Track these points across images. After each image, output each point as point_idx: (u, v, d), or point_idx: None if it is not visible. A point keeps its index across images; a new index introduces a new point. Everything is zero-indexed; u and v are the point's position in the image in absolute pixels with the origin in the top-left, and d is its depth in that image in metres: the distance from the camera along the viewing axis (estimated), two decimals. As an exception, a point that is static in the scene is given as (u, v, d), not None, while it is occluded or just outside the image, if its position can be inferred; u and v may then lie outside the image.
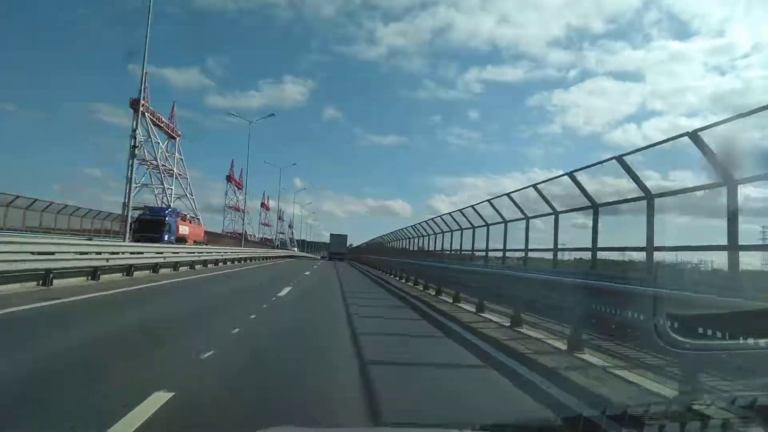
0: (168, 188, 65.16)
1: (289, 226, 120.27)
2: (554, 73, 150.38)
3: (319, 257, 72.55)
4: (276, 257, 44.80)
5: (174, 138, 69.69)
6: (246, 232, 57.62)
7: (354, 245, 63.63)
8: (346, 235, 65.80)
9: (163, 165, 65.16)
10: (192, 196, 72.28)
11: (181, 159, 71.58)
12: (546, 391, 3.84)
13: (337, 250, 57.74)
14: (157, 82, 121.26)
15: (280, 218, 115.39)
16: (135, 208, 52.57)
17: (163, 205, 57.82)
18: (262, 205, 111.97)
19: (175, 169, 67.64)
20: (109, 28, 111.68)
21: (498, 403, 3.58)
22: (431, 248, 18.63)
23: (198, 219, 66.87)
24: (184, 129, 74.22)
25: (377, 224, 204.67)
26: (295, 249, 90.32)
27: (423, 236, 21.07)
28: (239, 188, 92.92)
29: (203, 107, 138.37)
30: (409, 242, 24.12)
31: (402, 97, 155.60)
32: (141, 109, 52.34)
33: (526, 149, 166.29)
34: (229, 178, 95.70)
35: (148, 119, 60.67)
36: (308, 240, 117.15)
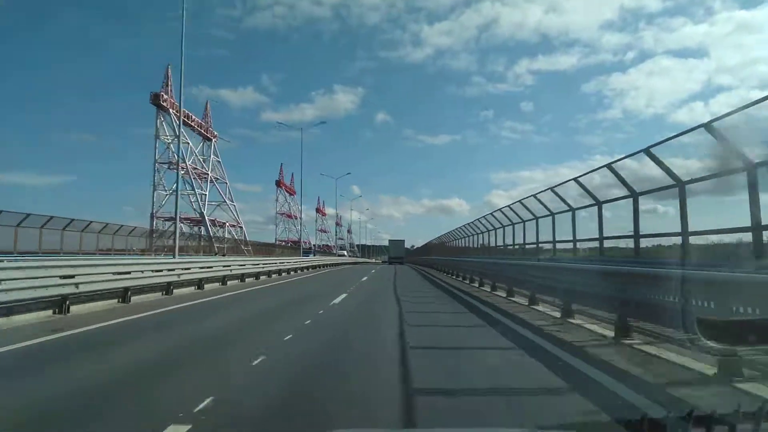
0: (201, 193, 59.04)
1: (348, 231, 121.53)
2: (610, 57, 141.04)
3: (380, 261, 76.99)
4: (333, 264, 43.77)
5: (210, 139, 63.31)
6: (301, 240, 54.66)
7: (414, 246, 70.00)
8: (403, 240, 69.69)
9: (195, 168, 58.77)
10: (233, 202, 66.38)
11: (219, 162, 65.34)
12: None
13: (395, 254, 60.85)
14: (215, 103, 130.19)
15: (338, 224, 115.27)
16: (166, 218, 51.84)
17: (196, 213, 55.92)
18: (318, 210, 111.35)
19: (210, 173, 61.87)
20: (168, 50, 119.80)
21: None
22: (492, 244, 17.87)
23: (241, 227, 65.66)
24: (242, 144, 75.89)
25: (435, 224, 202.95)
26: (345, 253, 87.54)
27: (481, 233, 20.34)
28: (291, 194, 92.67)
29: (259, 123, 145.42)
30: (469, 240, 23.43)
31: (451, 95, 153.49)
32: (165, 104, 53.67)
33: (584, 137, 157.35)
34: (278, 183, 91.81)
35: (173, 116, 53.62)
36: (368, 244, 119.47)
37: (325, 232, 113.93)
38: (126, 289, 9.39)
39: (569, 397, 3.55)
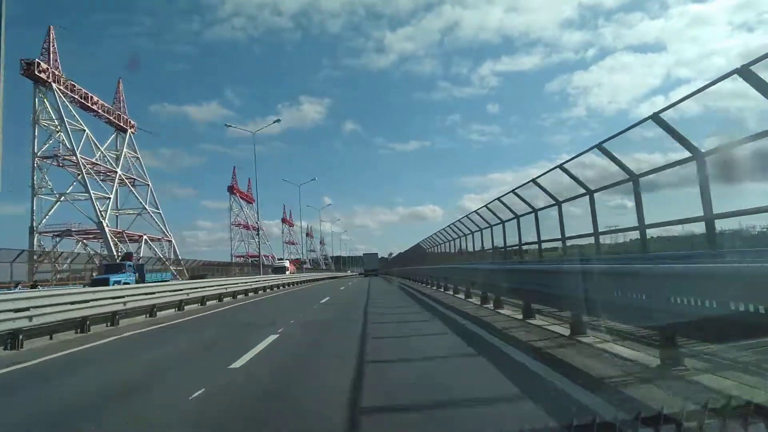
0: (103, 196, 44.46)
1: (321, 242, 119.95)
2: (572, 55, 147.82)
3: (357, 273, 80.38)
4: (297, 282, 36.86)
5: (124, 130, 51.09)
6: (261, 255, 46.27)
7: (392, 254, 74.21)
8: (377, 253, 75.94)
9: (95, 164, 44.87)
10: (158, 209, 53.92)
11: (137, 158, 52.63)
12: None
13: (370, 267, 64.95)
14: (180, 119, 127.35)
15: (308, 235, 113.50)
16: (56, 233, 42.24)
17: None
18: (284, 221, 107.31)
19: (121, 172, 48.06)
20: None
21: None
22: (470, 249, 17.84)
23: (170, 242, 54.50)
24: (209, 160, 72.57)
25: (410, 231, 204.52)
26: (286, 263, 76.96)
27: (451, 240, 20.33)
28: (249, 202, 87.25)
29: (226, 138, 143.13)
30: (440, 247, 23.42)
31: (418, 101, 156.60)
32: (43, 76, 38.40)
33: (551, 137, 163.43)
34: (231, 190, 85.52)
35: (56, 92, 40.82)
36: (343, 255, 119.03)
37: (293, 244, 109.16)
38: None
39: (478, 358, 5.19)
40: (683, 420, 1.47)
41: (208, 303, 15.95)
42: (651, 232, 6.89)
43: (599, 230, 7.99)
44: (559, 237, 9.44)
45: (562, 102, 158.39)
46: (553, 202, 9.47)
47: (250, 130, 46.69)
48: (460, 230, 18.00)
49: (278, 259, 77.58)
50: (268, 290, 25.07)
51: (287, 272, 47.33)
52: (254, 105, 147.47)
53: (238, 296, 19.63)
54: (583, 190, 8.13)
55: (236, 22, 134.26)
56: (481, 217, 14.57)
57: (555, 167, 8.66)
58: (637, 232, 6.91)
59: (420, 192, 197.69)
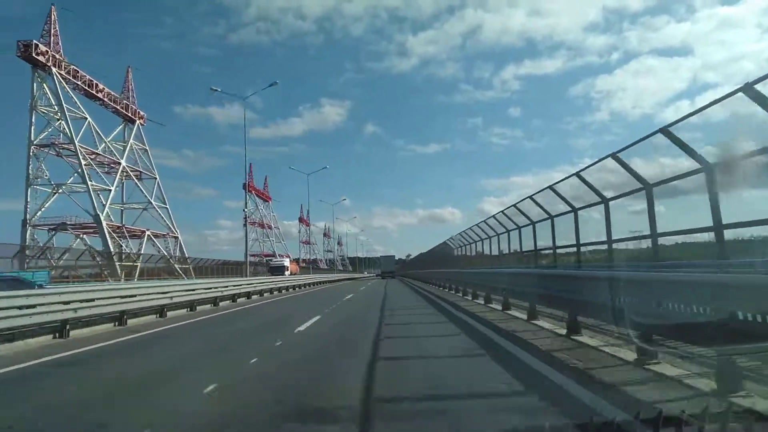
0: (103, 188, 43.03)
1: (339, 243, 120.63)
2: (595, 58, 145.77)
3: (374, 274, 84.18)
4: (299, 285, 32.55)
5: (132, 121, 50.11)
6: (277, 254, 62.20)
7: (411, 255, 78.97)
8: (393, 256, 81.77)
9: (95, 154, 43.32)
10: (165, 204, 51.88)
11: (146, 151, 51.10)
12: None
13: (387, 269, 67.63)
14: (203, 120, 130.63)
15: (326, 235, 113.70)
16: (51, 227, 39.36)
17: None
18: (301, 220, 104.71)
19: (125, 164, 47.50)
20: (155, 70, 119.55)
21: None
22: (488, 252, 18.01)
23: (176, 238, 51.89)
24: (231, 161, 71.53)
25: (429, 233, 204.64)
26: (285, 262, 68.69)
27: (470, 243, 20.57)
28: (266, 200, 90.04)
29: (249, 140, 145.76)
30: (461, 250, 23.62)
31: (439, 104, 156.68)
32: (41, 59, 36.03)
33: (573, 141, 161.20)
34: (247, 187, 76.38)
35: (56, 76, 39.04)
36: (361, 257, 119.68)
37: (309, 244, 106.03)
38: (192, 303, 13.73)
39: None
40: (705, 423, 1.48)
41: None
42: (677, 239, 7.08)
43: (612, 238, 8.23)
44: (575, 243, 9.68)
45: (585, 106, 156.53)
46: (569, 209, 9.71)
47: (239, 95, 46.95)
48: (478, 234, 18.25)
49: (275, 258, 65.34)
50: (266, 294, 22.27)
51: (287, 272, 45.64)
52: (276, 107, 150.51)
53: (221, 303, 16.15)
54: (598, 198, 8.37)
55: (260, 26, 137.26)
56: (501, 220, 14.80)
57: (571, 175, 8.92)
58: (652, 239, 7.08)
59: (439, 194, 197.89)
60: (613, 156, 7.26)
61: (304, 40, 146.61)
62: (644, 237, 7.20)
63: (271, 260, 65.48)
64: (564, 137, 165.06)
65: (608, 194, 8.23)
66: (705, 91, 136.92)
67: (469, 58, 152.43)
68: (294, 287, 28.94)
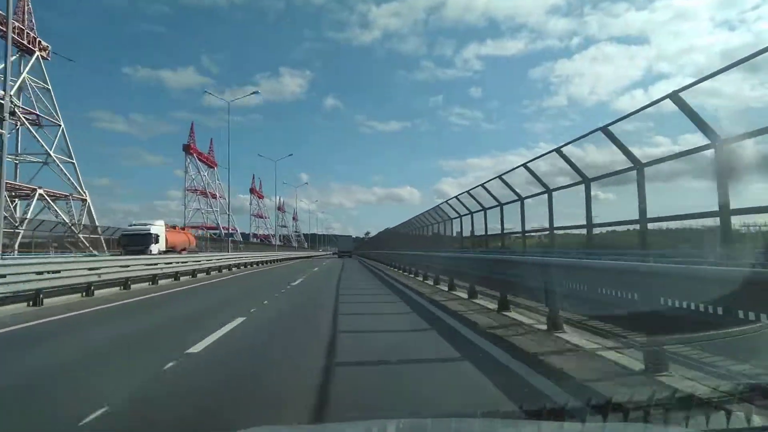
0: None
1: (294, 218, 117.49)
2: (556, 42, 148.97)
3: (331, 253, 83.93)
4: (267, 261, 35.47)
5: (213, 167, 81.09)
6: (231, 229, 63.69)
7: (369, 234, 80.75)
8: (351, 236, 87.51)
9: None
10: (71, 159, 43.67)
11: (47, 90, 42.37)
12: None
13: (344, 248, 67.50)
14: (154, 84, 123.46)
15: (280, 209, 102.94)
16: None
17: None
18: (252, 191, 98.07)
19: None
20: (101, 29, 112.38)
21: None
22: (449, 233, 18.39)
23: (84, 201, 42.92)
24: (185, 128, 74.46)
25: (387, 212, 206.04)
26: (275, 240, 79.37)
27: (430, 225, 21.13)
28: (211, 167, 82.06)
29: (202, 107, 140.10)
30: (422, 230, 23.96)
31: (401, 80, 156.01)
32: (191, 151, 73.09)
33: (531, 124, 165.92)
34: (187, 149, 74.75)
35: (195, 158, 74.37)
36: (319, 233, 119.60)
37: (262, 217, 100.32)
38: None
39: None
40: (630, 408, 1.55)
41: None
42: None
43: (554, 225, 8.81)
44: (521, 230, 10.23)
45: (544, 90, 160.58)
46: (543, 190, 9.34)
47: (226, 99, 49.60)
48: (434, 217, 18.79)
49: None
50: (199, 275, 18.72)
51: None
52: (232, 73, 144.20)
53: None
54: (578, 178, 8.02)
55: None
56: (455, 205, 15.31)
57: (551, 150, 8.52)
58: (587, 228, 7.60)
59: (398, 173, 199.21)
60: (557, 150, 7.78)
61: (263, 3, 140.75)
62: (580, 227, 7.80)
63: (214, 233, 67.22)
64: (521, 120, 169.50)
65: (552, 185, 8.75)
66: (658, 81, 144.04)
67: (432, 34, 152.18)
68: (236, 266, 25.94)
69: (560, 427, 1.58)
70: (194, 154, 77.28)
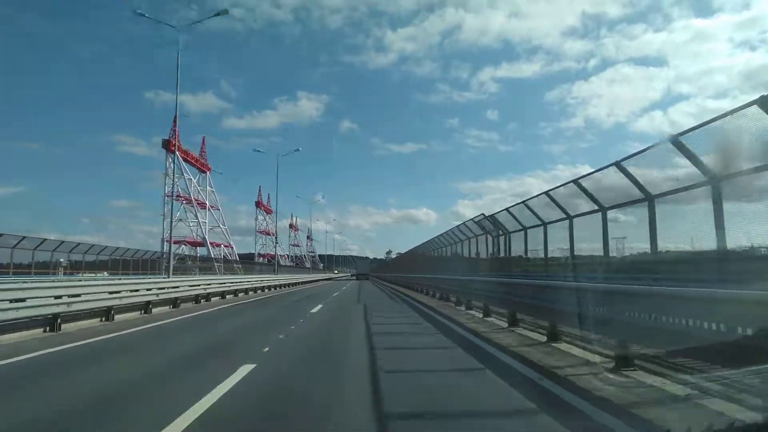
0: (202, 221, 70.07)
1: (308, 237, 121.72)
2: (573, 64, 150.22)
3: (349, 274, 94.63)
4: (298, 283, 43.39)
5: (205, 172, 74.56)
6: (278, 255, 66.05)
7: (390, 254, 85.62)
8: (368, 258, 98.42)
9: (195, 199, 69.54)
10: (225, 226, 76.88)
11: (213, 191, 75.91)
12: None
13: (361, 271, 78.22)
14: (173, 107, 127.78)
15: (292, 226, 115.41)
16: (175, 242, 60.19)
17: (198, 237, 68.12)
18: (291, 226, 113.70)
19: (207, 202, 72.10)
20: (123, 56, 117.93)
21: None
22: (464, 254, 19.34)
23: (232, 248, 75.55)
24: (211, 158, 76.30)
25: (404, 233, 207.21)
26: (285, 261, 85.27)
27: (447, 246, 22.10)
28: (268, 213, 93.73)
29: (221, 131, 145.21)
30: (442, 251, 24.69)
31: (416, 102, 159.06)
32: (173, 149, 60.15)
33: (548, 146, 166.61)
34: (258, 204, 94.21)
35: (179, 157, 64.90)
36: (335, 254, 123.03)
37: (298, 246, 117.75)
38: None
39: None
40: None
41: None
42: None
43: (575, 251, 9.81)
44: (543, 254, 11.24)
45: (560, 112, 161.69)
46: (564, 216, 10.42)
47: (277, 153, 52.38)
48: (456, 237, 19.75)
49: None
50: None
51: None
52: (250, 97, 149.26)
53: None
54: (594, 206, 9.08)
55: (235, 13, 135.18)
56: (482, 224, 16.33)
57: (570, 181, 9.59)
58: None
59: (414, 195, 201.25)
60: (617, 165, 8.03)
61: (280, 29, 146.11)
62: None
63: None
64: (538, 142, 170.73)
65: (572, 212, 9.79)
66: (677, 102, 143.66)
67: (447, 57, 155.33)
68: (245, 291, 24.99)
69: None
70: (262, 208, 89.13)
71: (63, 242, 27.98)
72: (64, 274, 28.34)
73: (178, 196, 62.70)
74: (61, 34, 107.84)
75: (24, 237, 24.41)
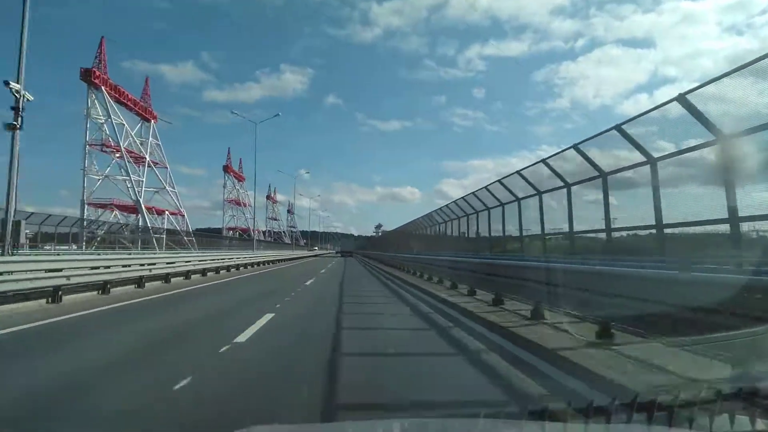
0: (138, 179, 59.59)
1: (289, 210, 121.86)
2: (561, 44, 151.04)
3: (334, 252, 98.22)
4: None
5: (148, 120, 64.64)
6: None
7: (382, 227, 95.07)
8: (352, 235, 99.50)
9: (131, 151, 59.36)
10: (173, 188, 67.01)
11: (159, 145, 66.31)
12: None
13: (345, 249, 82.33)
14: (154, 78, 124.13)
15: (290, 211, 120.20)
16: (98, 205, 56.28)
17: (131, 200, 57.17)
18: (269, 198, 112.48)
19: (148, 157, 61.68)
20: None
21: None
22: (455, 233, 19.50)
23: (183, 216, 66.97)
24: (183, 124, 71.70)
25: (388, 211, 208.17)
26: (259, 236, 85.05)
27: (434, 225, 22.09)
28: (239, 180, 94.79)
29: (202, 102, 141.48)
30: (426, 230, 25.20)
31: (402, 79, 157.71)
32: (97, 81, 53.96)
33: (533, 127, 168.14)
34: (226, 169, 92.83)
35: (105, 94, 55.74)
36: (318, 231, 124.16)
37: (276, 220, 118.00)
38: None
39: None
40: (676, 407, 1.63)
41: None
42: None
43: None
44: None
45: (547, 92, 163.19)
46: (562, 184, 10.34)
47: (254, 121, 41.43)
48: (443, 216, 19.79)
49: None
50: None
51: None
52: (232, 69, 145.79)
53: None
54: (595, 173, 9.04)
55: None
56: (461, 204, 16.38)
57: (570, 147, 9.44)
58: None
59: (399, 172, 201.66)
60: (575, 147, 8.97)
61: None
62: (649, 227, 8.07)
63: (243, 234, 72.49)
64: (524, 123, 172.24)
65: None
66: (663, 85, 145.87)
67: (434, 33, 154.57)
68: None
69: (563, 428, 1.70)
70: (231, 173, 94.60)
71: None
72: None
73: (103, 145, 56.34)
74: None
75: None
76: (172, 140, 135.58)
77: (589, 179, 9.11)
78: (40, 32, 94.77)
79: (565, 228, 10.21)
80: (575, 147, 8.92)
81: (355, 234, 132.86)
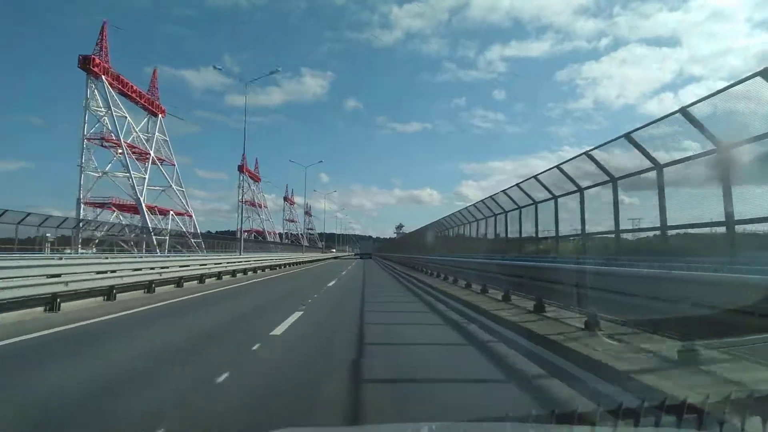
0: (140, 176, 54.95)
1: (306, 212, 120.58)
2: (584, 44, 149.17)
3: (352, 254, 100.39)
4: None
5: (156, 115, 60.67)
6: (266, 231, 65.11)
7: (402, 227, 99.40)
8: (371, 237, 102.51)
9: (134, 147, 55.33)
10: (181, 187, 62.83)
11: (166, 141, 62.38)
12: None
13: (364, 251, 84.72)
14: (178, 83, 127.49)
15: (307, 213, 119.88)
16: (97, 204, 52.48)
17: (131, 200, 52.89)
18: (286, 199, 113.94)
19: (153, 154, 57.99)
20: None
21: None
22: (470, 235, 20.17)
23: (190, 217, 63.04)
24: (205, 128, 69.45)
25: (407, 213, 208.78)
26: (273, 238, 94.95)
27: (456, 226, 22.73)
28: (255, 180, 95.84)
29: (224, 107, 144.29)
30: (448, 232, 25.46)
31: (422, 81, 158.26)
32: (96, 69, 49.42)
33: (555, 128, 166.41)
34: (241, 169, 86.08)
35: (106, 84, 50.93)
36: (337, 233, 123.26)
37: (293, 222, 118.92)
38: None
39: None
40: (706, 409, 1.61)
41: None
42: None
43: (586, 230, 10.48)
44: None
45: (569, 92, 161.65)
46: (575, 189, 10.93)
47: (243, 80, 47.52)
48: (468, 217, 20.37)
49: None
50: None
51: None
52: (254, 73, 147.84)
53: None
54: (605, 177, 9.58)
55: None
56: (487, 205, 16.97)
57: (581, 154, 10.08)
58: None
59: (418, 175, 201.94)
60: (586, 153, 9.64)
61: (285, 5, 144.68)
62: (653, 229, 8.62)
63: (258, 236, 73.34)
64: (546, 124, 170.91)
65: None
66: (689, 84, 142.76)
67: (455, 35, 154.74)
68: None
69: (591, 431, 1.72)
70: (246, 173, 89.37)
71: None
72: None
73: (103, 139, 52.62)
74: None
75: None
76: (194, 144, 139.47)
77: (601, 183, 9.78)
78: (60, 37, 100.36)
79: (605, 228, 10.03)
80: (587, 153, 9.69)
81: (374, 236, 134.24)
